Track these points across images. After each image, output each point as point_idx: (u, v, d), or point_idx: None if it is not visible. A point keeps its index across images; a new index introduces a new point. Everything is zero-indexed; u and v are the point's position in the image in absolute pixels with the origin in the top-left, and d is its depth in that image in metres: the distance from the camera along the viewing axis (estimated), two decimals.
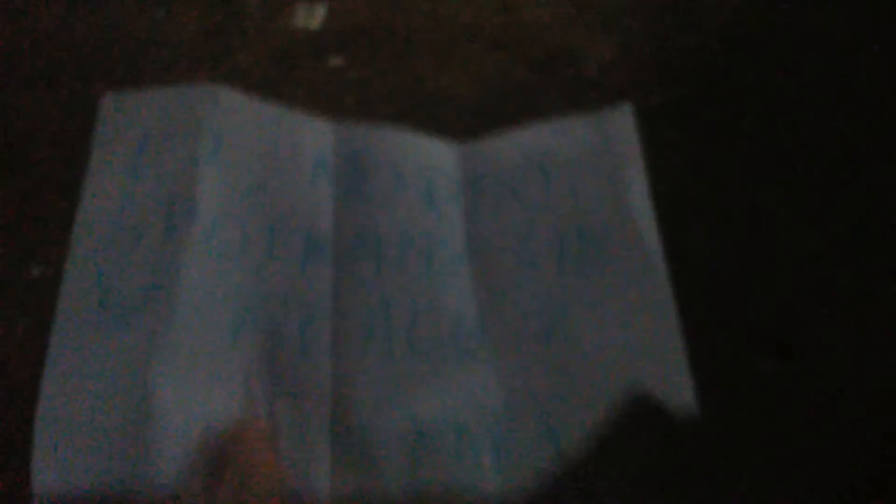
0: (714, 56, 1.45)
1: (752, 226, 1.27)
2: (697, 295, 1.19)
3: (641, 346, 0.32)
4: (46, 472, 0.28)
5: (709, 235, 1.25)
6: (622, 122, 0.38)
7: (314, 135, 0.37)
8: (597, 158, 0.37)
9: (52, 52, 1.43)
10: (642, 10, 1.52)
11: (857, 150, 1.34)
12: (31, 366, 1.12)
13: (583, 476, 1.08)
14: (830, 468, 1.08)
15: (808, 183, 1.31)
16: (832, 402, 1.13)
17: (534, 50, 1.43)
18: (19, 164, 1.31)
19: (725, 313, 1.19)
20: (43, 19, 1.47)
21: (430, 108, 1.39)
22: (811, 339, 1.17)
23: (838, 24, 1.47)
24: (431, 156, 0.38)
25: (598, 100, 1.39)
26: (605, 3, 1.54)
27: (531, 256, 0.36)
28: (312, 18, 1.47)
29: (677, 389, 0.31)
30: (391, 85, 1.41)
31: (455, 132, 1.28)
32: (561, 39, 1.46)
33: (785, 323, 1.19)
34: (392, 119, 1.36)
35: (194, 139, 0.34)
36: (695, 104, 1.40)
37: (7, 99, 1.39)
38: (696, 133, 1.37)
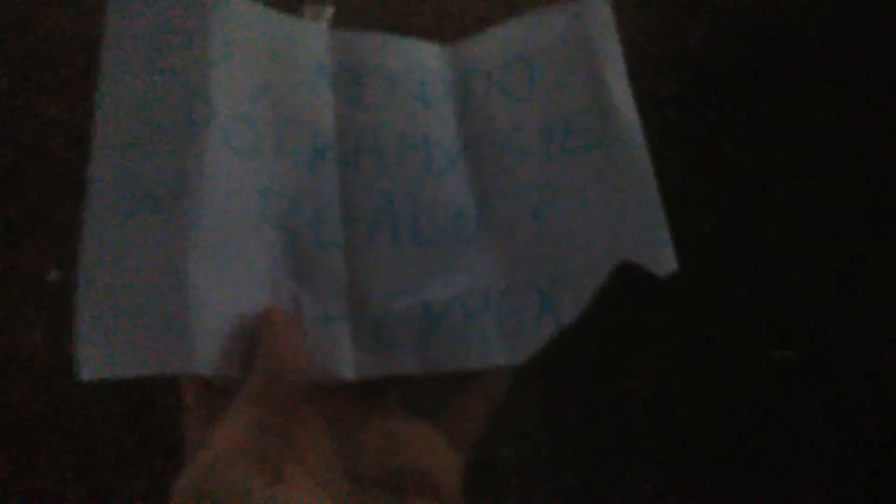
0: (723, 47, 1.45)
1: (762, 217, 1.27)
2: (706, 286, 1.19)
3: (626, 223, 0.34)
4: (90, 361, 0.29)
5: (717, 227, 1.25)
6: (600, 11, 0.39)
7: (313, 40, 0.39)
8: (577, 47, 0.38)
9: (65, 55, 1.45)
10: (650, 2, 1.52)
11: (867, 141, 1.34)
12: (50, 370, 1.14)
13: (584, 464, 1.08)
14: (840, 460, 1.08)
15: (818, 174, 1.31)
16: (841, 392, 1.13)
17: None
18: (36, 168, 1.33)
19: (734, 304, 1.19)
20: (55, 23, 1.49)
21: None
22: (821, 329, 1.17)
23: (849, 15, 1.46)
24: (423, 58, 0.40)
25: None
26: None
27: (520, 146, 0.37)
28: (320, 19, 1.48)
29: (660, 256, 0.33)
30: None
31: None
32: None
33: (795, 314, 1.19)
34: None
35: (205, 40, 0.35)
36: (704, 96, 1.40)
37: (23, 103, 1.40)
38: (705, 124, 1.37)
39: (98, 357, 0.29)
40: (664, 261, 0.32)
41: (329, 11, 1.49)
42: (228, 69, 0.35)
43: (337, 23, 1.49)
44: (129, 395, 1.11)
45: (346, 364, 0.33)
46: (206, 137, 0.33)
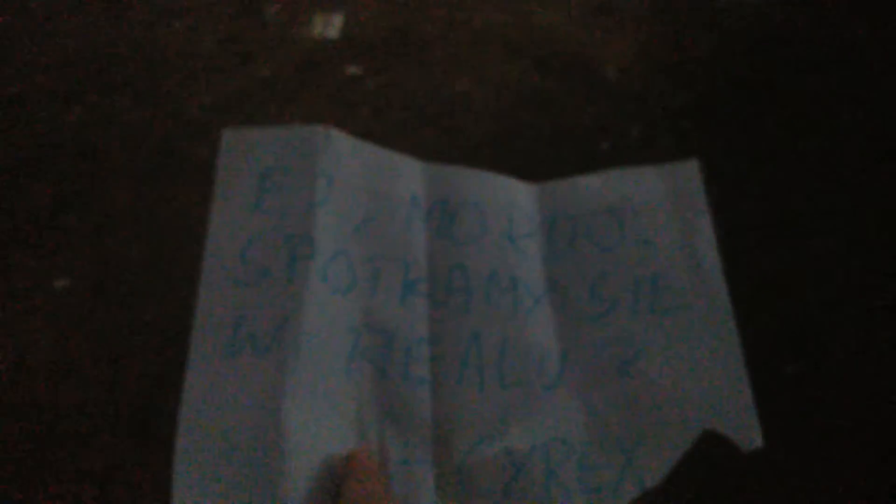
0: (734, 57, 1.44)
1: (775, 228, 1.26)
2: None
3: (711, 390, 0.34)
4: (184, 499, 0.30)
5: (731, 237, 1.24)
6: (690, 175, 0.40)
7: (408, 175, 0.40)
8: (668, 209, 0.39)
9: (71, 65, 1.45)
10: (661, 11, 1.51)
11: (881, 151, 1.33)
12: (54, 379, 1.14)
13: None
14: (860, 470, 1.07)
15: (832, 183, 1.30)
16: (857, 403, 1.11)
17: (550, 54, 1.43)
18: (42, 176, 1.33)
19: (748, 317, 1.18)
20: (62, 34, 1.50)
21: (448, 114, 1.39)
22: (835, 341, 1.16)
23: (860, 24, 1.45)
24: (511, 195, 0.40)
25: (617, 103, 1.39)
26: (623, 5, 1.54)
27: (607, 297, 0.38)
28: (330, 27, 1.48)
29: (746, 430, 0.33)
30: (408, 92, 1.41)
31: (474, 138, 1.28)
32: (578, 43, 1.45)
33: (808, 326, 1.18)
34: (410, 126, 1.36)
35: (311, 179, 0.36)
36: (715, 106, 1.39)
37: (29, 113, 1.41)
38: (717, 135, 1.36)
39: (193, 496, 0.30)
40: (750, 435, 0.33)
41: (339, 20, 1.49)
42: (331, 208, 0.36)
43: (346, 32, 1.49)
44: (136, 399, 1.11)
45: None
46: (305, 278, 0.34)
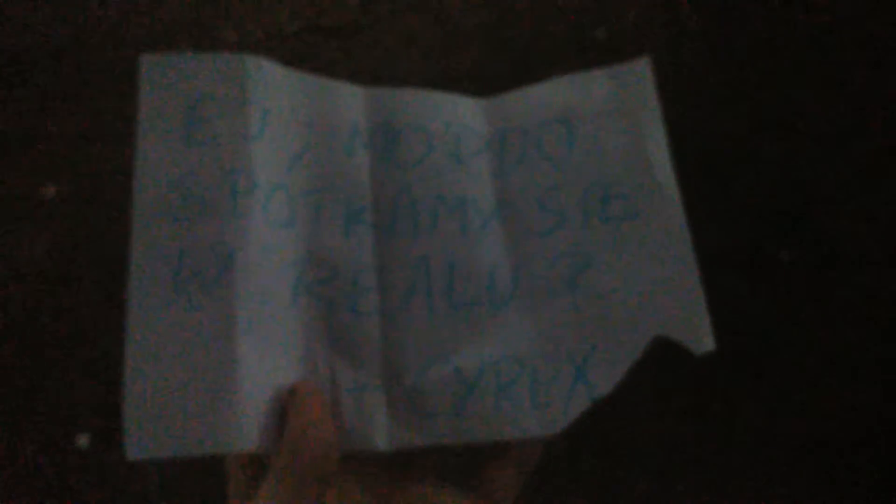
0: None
1: (776, 115, 1.24)
2: (715, 184, 1.17)
3: (663, 295, 0.34)
4: (137, 441, 0.30)
5: (728, 127, 1.23)
6: (641, 75, 0.38)
7: (347, 102, 0.38)
8: (617, 113, 0.38)
9: None
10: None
11: (878, 47, 1.29)
12: (51, 286, 1.14)
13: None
14: (856, 362, 1.10)
15: (829, 76, 1.27)
16: (851, 288, 1.13)
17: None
18: (25, 80, 1.29)
19: (742, 203, 1.18)
20: None
21: (439, 2, 1.34)
22: (830, 226, 1.17)
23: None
24: (457, 113, 0.39)
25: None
26: None
27: (557, 210, 0.37)
28: None
29: (698, 333, 0.33)
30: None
31: (466, 28, 1.23)
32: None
33: (803, 212, 1.18)
34: (399, 16, 1.31)
35: (244, 110, 0.35)
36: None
37: (11, 16, 1.35)
38: (717, 22, 1.32)
39: (145, 437, 0.30)
40: (701, 339, 0.33)
41: None
42: (267, 140, 0.35)
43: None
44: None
45: (381, 435, 0.33)
46: (247, 213, 0.33)
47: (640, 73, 0.38)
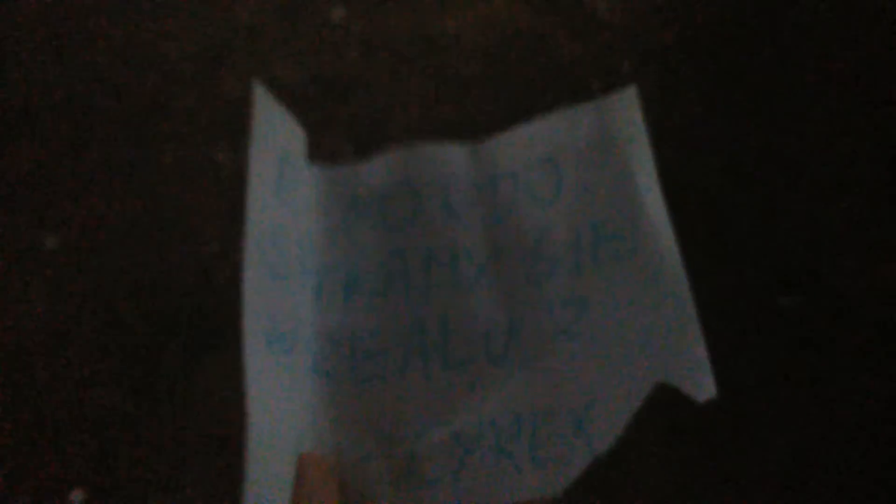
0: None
1: (770, 161, 1.25)
2: (714, 232, 1.18)
3: (661, 340, 0.31)
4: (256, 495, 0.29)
5: (725, 171, 1.24)
6: (627, 106, 0.36)
7: (365, 176, 0.39)
8: (604, 146, 0.36)
9: (55, 21, 1.41)
10: None
11: (879, 81, 1.31)
12: (48, 337, 1.13)
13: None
14: (861, 407, 1.08)
15: (827, 118, 1.29)
16: (855, 336, 1.12)
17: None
18: (30, 133, 1.31)
19: (743, 250, 1.18)
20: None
21: (436, 55, 1.37)
22: (831, 273, 1.16)
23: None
24: (447, 162, 0.38)
25: (608, 38, 1.36)
26: None
27: (550, 256, 0.36)
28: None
29: (699, 379, 0.30)
30: (395, 34, 1.38)
31: (462, 80, 1.25)
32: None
33: (804, 259, 1.18)
34: (398, 68, 1.34)
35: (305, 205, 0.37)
36: (709, 41, 1.37)
37: (17, 68, 1.37)
38: (712, 70, 1.34)
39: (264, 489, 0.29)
40: (703, 386, 0.30)
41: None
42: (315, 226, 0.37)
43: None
44: (135, 358, 1.11)
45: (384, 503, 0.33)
46: (303, 286, 0.35)
47: (626, 102, 0.36)
